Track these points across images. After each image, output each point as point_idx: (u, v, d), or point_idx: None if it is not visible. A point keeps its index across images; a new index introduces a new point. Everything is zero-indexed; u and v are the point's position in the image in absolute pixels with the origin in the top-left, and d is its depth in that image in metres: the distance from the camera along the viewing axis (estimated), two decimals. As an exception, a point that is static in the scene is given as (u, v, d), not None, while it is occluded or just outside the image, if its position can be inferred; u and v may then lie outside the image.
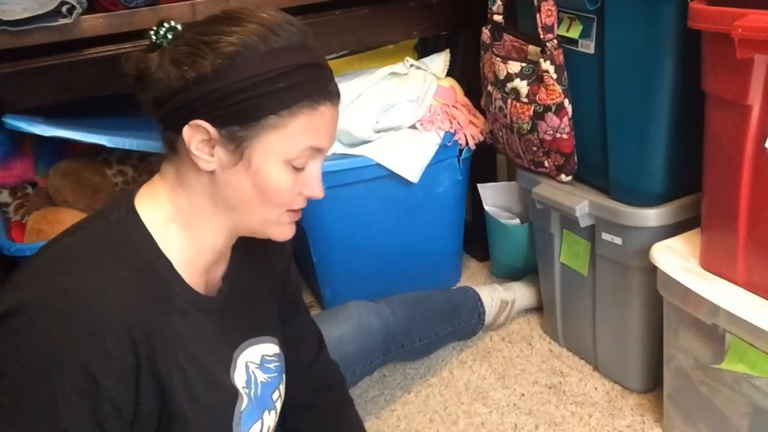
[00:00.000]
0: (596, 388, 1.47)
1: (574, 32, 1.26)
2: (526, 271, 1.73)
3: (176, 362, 0.77)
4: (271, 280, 1.00)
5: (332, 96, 0.80)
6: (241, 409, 0.87)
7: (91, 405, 0.70)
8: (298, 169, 0.80)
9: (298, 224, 1.64)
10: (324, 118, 0.79)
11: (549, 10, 1.24)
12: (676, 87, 1.14)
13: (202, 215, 0.82)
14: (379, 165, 1.55)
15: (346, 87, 1.57)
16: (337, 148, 1.57)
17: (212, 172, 0.79)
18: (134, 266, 0.76)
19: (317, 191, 0.84)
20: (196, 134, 0.77)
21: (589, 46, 1.24)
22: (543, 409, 1.42)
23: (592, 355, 1.51)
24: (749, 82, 0.93)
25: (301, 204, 0.84)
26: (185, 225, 0.82)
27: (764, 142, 0.95)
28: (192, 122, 0.76)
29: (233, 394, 0.86)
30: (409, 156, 1.57)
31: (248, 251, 0.94)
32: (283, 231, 0.85)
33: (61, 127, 1.31)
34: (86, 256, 0.76)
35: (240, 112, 0.75)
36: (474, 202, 1.83)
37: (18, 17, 1.18)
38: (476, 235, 1.89)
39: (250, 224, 0.83)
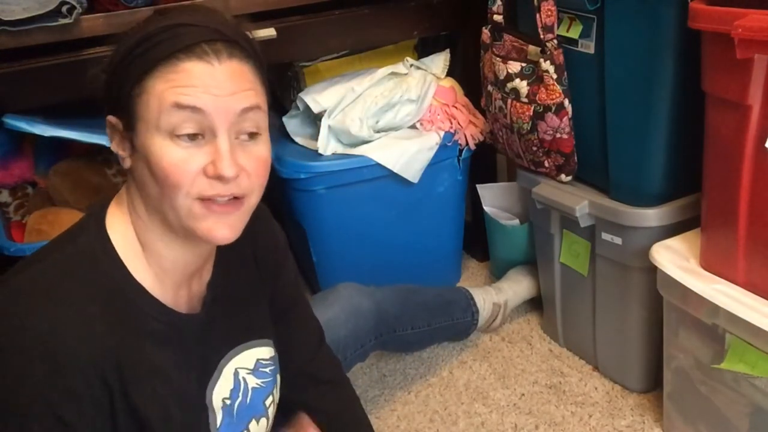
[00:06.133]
0: (596, 388, 1.47)
1: (574, 32, 1.26)
2: (526, 271, 1.74)
3: (150, 390, 0.76)
4: (261, 280, 0.97)
5: (199, 53, 0.71)
6: (217, 425, 0.85)
7: None
8: (188, 140, 0.72)
9: (298, 224, 1.67)
10: (187, 74, 0.71)
11: (549, 10, 1.24)
12: (676, 87, 1.14)
13: (145, 223, 0.78)
14: (379, 165, 1.55)
15: (346, 87, 1.57)
16: (337, 148, 1.58)
17: (133, 171, 0.76)
18: (103, 297, 0.74)
19: (222, 169, 0.71)
20: (111, 131, 0.77)
21: (589, 46, 1.24)
22: (543, 409, 1.42)
23: (592, 355, 1.51)
24: (749, 82, 0.93)
25: (207, 189, 0.73)
26: (143, 238, 0.78)
27: (764, 142, 0.95)
28: (107, 118, 0.76)
29: (204, 413, 0.84)
30: (409, 156, 1.57)
31: (235, 253, 0.91)
32: (208, 227, 0.75)
33: (61, 127, 1.31)
34: (51, 289, 0.73)
35: (117, 93, 0.74)
36: (474, 202, 1.83)
37: (18, 17, 1.18)
38: (476, 235, 1.89)
39: (174, 222, 0.75)
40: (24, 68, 1.28)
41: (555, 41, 1.25)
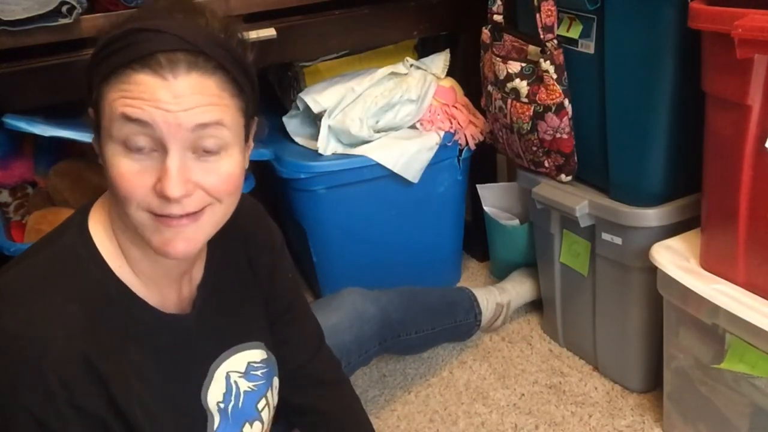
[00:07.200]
0: (596, 388, 1.47)
1: (574, 32, 1.26)
2: (526, 271, 1.73)
3: (136, 394, 0.74)
4: (256, 281, 0.95)
5: (153, 66, 0.67)
6: (214, 428, 0.84)
7: None
8: (140, 153, 0.68)
9: (298, 224, 1.67)
10: (138, 87, 0.67)
11: (549, 10, 1.24)
12: (676, 87, 1.14)
13: (119, 225, 0.77)
14: (379, 165, 1.55)
15: (346, 87, 1.57)
16: (337, 148, 1.58)
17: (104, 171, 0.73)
18: (85, 297, 0.72)
19: (167, 188, 0.67)
20: (92, 126, 0.74)
21: (589, 46, 1.24)
22: (543, 409, 1.42)
23: (592, 355, 1.51)
24: (749, 82, 0.93)
25: (157, 207, 0.69)
26: (120, 239, 0.77)
27: (764, 142, 0.95)
28: (89, 110, 0.73)
29: (202, 416, 0.83)
30: (409, 156, 1.57)
31: (228, 254, 0.90)
32: (162, 241, 0.71)
33: (61, 127, 1.31)
34: (31, 290, 0.72)
35: (88, 92, 0.72)
36: (474, 202, 1.83)
37: (18, 17, 1.18)
38: (476, 235, 1.89)
39: (134, 229, 0.73)
40: (24, 68, 1.27)
41: (555, 41, 1.25)
